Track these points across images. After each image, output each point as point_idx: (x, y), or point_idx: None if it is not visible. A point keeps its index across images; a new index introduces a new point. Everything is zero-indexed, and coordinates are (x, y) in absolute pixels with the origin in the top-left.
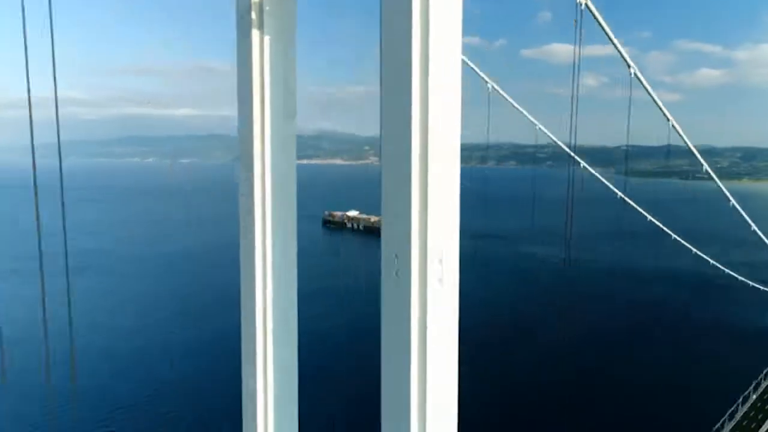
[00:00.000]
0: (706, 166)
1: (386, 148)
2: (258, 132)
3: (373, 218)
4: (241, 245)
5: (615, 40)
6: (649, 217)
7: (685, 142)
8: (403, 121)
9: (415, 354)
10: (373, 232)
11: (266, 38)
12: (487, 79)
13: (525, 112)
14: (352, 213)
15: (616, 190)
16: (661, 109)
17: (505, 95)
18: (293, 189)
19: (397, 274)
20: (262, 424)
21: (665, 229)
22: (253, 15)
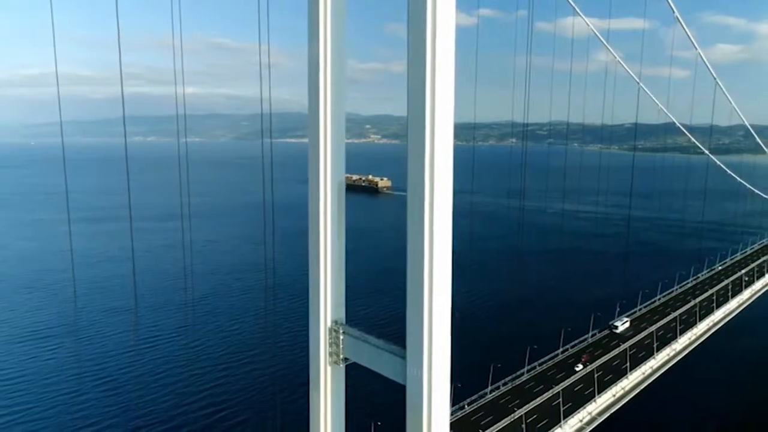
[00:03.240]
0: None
1: (412, 132)
2: (322, 112)
3: (354, 177)
4: (310, 193)
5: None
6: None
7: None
8: (422, 118)
9: (427, 247)
10: (351, 188)
11: (329, 27)
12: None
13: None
14: None
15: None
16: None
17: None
18: (342, 157)
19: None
20: (323, 291)
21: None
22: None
